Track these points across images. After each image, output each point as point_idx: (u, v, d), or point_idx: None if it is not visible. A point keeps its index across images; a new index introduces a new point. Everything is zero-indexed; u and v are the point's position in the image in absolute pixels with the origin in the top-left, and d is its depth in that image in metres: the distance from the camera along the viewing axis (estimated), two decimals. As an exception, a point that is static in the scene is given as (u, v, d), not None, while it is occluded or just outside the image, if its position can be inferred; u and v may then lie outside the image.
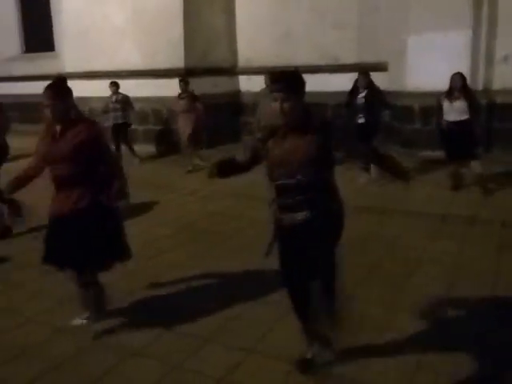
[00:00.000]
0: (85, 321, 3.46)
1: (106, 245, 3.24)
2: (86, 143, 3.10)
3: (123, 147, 9.13)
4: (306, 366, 2.85)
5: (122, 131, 9.06)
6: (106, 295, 3.52)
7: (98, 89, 9.57)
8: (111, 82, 8.97)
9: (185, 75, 9.14)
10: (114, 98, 8.96)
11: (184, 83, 8.38)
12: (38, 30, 13.48)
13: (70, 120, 3.15)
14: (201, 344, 3.19)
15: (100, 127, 3.33)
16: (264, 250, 2.74)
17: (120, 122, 8.98)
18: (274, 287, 3.90)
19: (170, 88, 9.33)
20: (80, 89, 10.06)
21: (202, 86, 9.37)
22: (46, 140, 3.21)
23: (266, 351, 3.05)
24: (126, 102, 8.95)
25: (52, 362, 3.05)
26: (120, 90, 8.98)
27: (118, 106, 8.91)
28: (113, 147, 8.49)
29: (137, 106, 9.30)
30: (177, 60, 9.64)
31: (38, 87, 11.43)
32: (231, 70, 10.86)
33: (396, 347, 3.07)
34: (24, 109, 12.58)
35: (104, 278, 3.55)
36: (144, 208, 6.14)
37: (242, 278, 4.17)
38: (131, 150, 9.21)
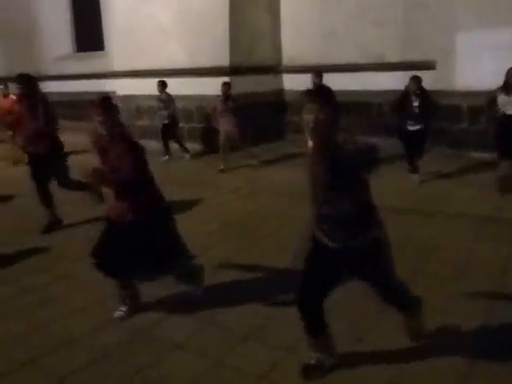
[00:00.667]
0: (122, 313, 3.62)
1: (152, 255, 3.42)
2: (129, 160, 3.27)
3: (172, 145, 9.42)
4: (310, 371, 2.85)
5: (169, 130, 9.28)
6: (139, 294, 3.73)
7: (145, 87, 9.82)
8: (158, 81, 9.18)
9: (230, 73, 9.22)
10: (160, 96, 9.17)
11: (227, 86, 8.40)
12: (88, 30, 13.89)
13: (115, 136, 3.34)
14: (240, 340, 3.24)
15: (140, 145, 3.48)
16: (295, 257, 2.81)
17: (166, 121, 9.18)
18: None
19: (214, 86, 9.43)
20: (127, 87, 10.41)
21: (247, 84, 9.44)
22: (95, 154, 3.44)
23: (305, 352, 3.05)
24: (169, 101, 9.14)
25: (97, 353, 3.17)
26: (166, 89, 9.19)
27: (162, 105, 9.12)
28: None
29: (181, 104, 9.46)
30: (222, 58, 9.73)
31: (88, 85, 11.85)
32: (275, 69, 10.87)
33: (445, 350, 3.01)
34: (75, 106, 13.02)
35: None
36: (187, 205, 6.25)
37: (282, 277, 4.18)
38: (181, 146, 9.45)
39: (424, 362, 2.91)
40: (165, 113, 9.13)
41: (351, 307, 3.52)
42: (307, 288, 2.73)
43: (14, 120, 5.62)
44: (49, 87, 11.67)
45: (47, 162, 5.48)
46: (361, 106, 9.46)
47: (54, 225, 5.63)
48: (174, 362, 3.05)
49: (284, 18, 10.78)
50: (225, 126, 8.33)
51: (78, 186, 5.65)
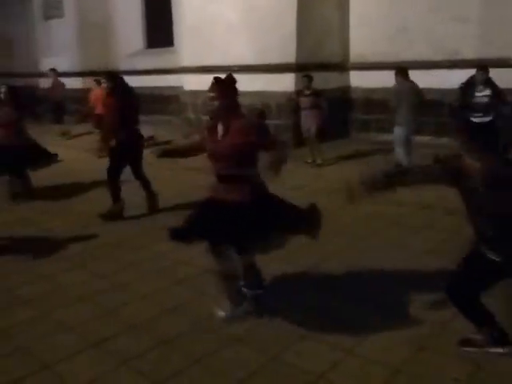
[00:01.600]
0: (224, 314, 3.47)
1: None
2: (246, 142, 3.17)
3: None
4: (468, 343, 2.98)
5: None
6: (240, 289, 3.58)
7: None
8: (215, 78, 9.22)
9: (296, 70, 9.17)
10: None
11: (308, 79, 8.30)
12: (158, 27, 14.31)
13: (233, 117, 3.23)
14: (300, 338, 3.22)
15: (256, 124, 3.44)
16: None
17: None
18: (376, 288, 3.84)
19: (280, 83, 9.44)
20: (196, 83, 10.60)
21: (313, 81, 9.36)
22: (211, 136, 3.30)
23: (366, 354, 2.99)
24: None
25: (159, 339, 3.26)
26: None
27: None
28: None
29: (247, 101, 9.50)
30: (288, 55, 9.70)
31: (158, 80, 12.22)
32: (342, 66, 10.70)
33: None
34: (146, 100, 13.47)
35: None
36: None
37: (345, 276, 4.13)
38: None
39: None
40: None
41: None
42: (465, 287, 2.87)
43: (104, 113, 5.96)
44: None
45: (134, 154, 5.84)
46: (431, 105, 9.13)
47: (118, 215, 5.84)
48: (232, 355, 3.07)
49: (353, 13, 10.58)
50: (310, 122, 8.28)
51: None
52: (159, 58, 13.50)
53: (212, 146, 3.29)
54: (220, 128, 3.27)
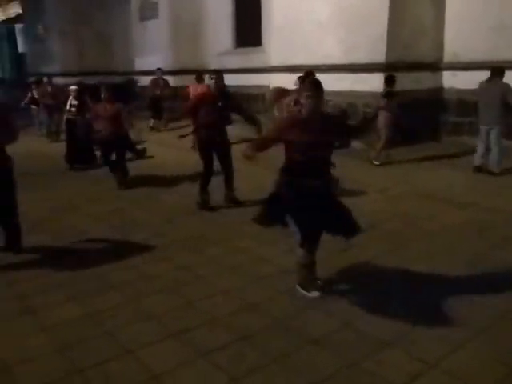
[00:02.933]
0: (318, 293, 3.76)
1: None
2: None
3: None
4: None
5: None
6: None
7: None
8: (298, 77, 9.22)
9: (385, 70, 8.91)
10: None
11: (390, 80, 8.14)
12: (248, 27, 14.52)
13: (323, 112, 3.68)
14: (380, 346, 3.12)
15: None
16: None
17: None
18: (466, 303, 3.63)
19: (368, 83, 9.21)
20: (283, 82, 10.63)
21: (402, 81, 9.04)
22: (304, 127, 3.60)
23: (452, 370, 2.83)
24: None
25: (238, 335, 3.29)
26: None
27: None
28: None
29: (333, 100, 9.38)
30: (378, 55, 9.44)
31: (246, 79, 12.46)
32: (435, 66, 10.24)
33: None
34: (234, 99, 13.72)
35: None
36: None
37: (431, 285, 3.94)
38: None
39: None
40: None
41: None
42: None
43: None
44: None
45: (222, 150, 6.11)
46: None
47: (203, 205, 6.08)
48: (308, 356, 3.04)
49: (449, 11, 10.07)
50: (378, 123, 8.17)
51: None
52: (247, 58, 13.72)
53: (307, 136, 3.54)
54: (310, 121, 3.56)
